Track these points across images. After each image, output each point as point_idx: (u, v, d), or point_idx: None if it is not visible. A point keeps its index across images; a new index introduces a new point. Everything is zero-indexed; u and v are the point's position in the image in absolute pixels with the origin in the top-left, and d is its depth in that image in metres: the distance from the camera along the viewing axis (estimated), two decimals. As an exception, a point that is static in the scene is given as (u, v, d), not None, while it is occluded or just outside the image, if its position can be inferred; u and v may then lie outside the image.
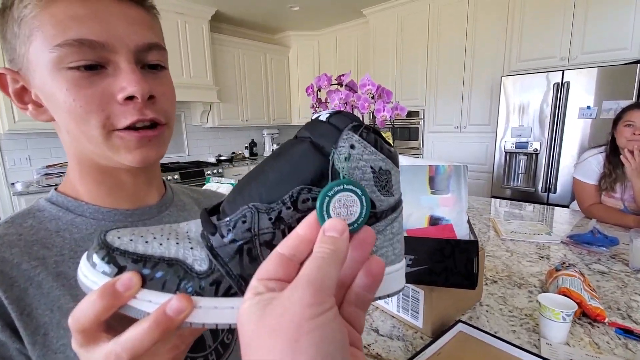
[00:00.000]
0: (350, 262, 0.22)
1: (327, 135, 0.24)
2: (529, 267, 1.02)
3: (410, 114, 3.53)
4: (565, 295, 0.74)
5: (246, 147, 4.53)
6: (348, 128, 0.25)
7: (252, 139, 4.61)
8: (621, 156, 1.36)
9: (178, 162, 3.70)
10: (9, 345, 0.33)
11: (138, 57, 0.36)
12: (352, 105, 1.42)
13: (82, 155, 0.39)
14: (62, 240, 0.38)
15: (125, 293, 0.22)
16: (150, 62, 0.38)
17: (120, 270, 0.23)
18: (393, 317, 0.77)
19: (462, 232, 0.66)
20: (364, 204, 0.23)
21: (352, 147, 0.24)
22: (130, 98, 0.35)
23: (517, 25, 2.70)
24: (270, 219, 0.23)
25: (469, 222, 0.68)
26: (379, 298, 0.27)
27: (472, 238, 0.64)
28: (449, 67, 3.18)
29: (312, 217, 0.22)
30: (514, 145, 2.69)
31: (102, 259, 0.23)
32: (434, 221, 0.67)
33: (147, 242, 0.25)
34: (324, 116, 0.27)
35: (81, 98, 0.34)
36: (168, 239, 0.25)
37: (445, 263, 0.62)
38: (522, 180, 2.70)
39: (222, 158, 3.97)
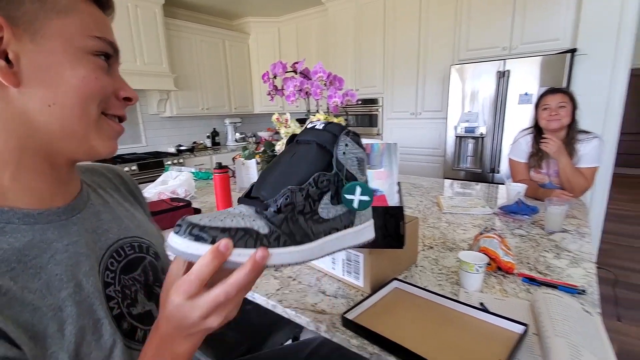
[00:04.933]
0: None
1: (329, 139, 0.40)
2: (462, 234, 1.16)
3: (370, 101, 3.66)
4: (484, 253, 0.87)
5: (208, 137, 4.46)
6: (343, 133, 0.40)
7: (214, 128, 4.54)
8: (541, 144, 1.54)
9: (135, 153, 3.58)
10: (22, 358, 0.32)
11: None
12: (306, 92, 1.48)
13: (38, 139, 0.38)
14: (3, 252, 0.35)
15: (226, 252, 0.33)
16: None
17: (214, 238, 0.34)
18: (339, 280, 0.86)
19: (393, 202, 0.75)
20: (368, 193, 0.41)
21: (346, 145, 0.40)
22: (128, 99, 0.44)
23: (465, 16, 2.87)
24: (302, 195, 0.38)
25: (399, 192, 0.77)
26: (361, 245, 0.45)
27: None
28: (404, 56, 3.31)
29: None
30: (464, 130, 2.89)
31: (198, 233, 0.33)
32: (370, 192, 0.76)
33: (221, 220, 0.36)
34: (319, 125, 0.42)
35: (101, 80, 0.40)
36: (233, 218, 0.36)
37: (377, 227, 0.71)
38: (470, 162, 2.92)
39: (182, 148, 3.89)
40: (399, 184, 0.83)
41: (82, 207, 0.45)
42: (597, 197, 2.51)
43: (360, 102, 3.73)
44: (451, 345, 0.60)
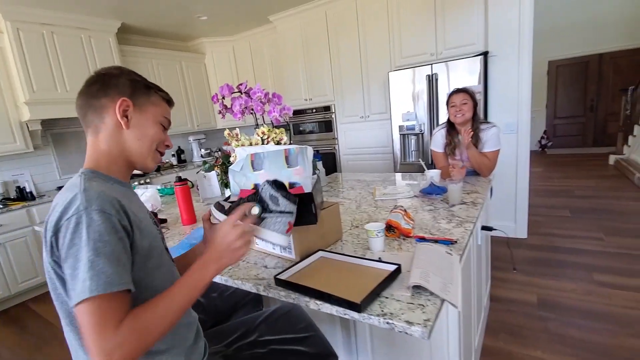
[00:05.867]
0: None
1: (261, 184, 0.90)
2: (385, 214, 1.43)
3: (324, 109, 3.95)
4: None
5: (173, 155, 4.58)
6: (265, 182, 0.88)
7: (179, 147, 4.66)
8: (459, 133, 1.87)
9: (101, 178, 3.65)
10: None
11: None
12: (250, 109, 1.72)
13: (127, 154, 0.80)
14: (117, 193, 0.73)
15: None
16: None
17: (224, 209, 0.92)
18: (279, 257, 1.10)
19: (308, 190, 1.00)
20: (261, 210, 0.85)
21: (264, 186, 0.88)
22: (167, 146, 0.87)
23: (396, 28, 3.23)
24: (245, 201, 0.88)
25: (315, 184, 1.03)
26: (271, 243, 0.89)
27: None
28: (349, 65, 3.63)
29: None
30: (406, 128, 3.23)
31: (217, 207, 0.93)
32: (291, 185, 1.01)
33: (226, 204, 0.93)
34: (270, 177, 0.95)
35: (161, 135, 0.84)
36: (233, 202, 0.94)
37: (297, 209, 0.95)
38: (414, 156, 3.26)
39: (148, 168, 3.99)
40: (318, 177, 1.09)
41: (133, 188, 0.87)
42: (521, 176, 2.90)
43: (315, 111, 4.02)
44: (348, 285, 0.86)
